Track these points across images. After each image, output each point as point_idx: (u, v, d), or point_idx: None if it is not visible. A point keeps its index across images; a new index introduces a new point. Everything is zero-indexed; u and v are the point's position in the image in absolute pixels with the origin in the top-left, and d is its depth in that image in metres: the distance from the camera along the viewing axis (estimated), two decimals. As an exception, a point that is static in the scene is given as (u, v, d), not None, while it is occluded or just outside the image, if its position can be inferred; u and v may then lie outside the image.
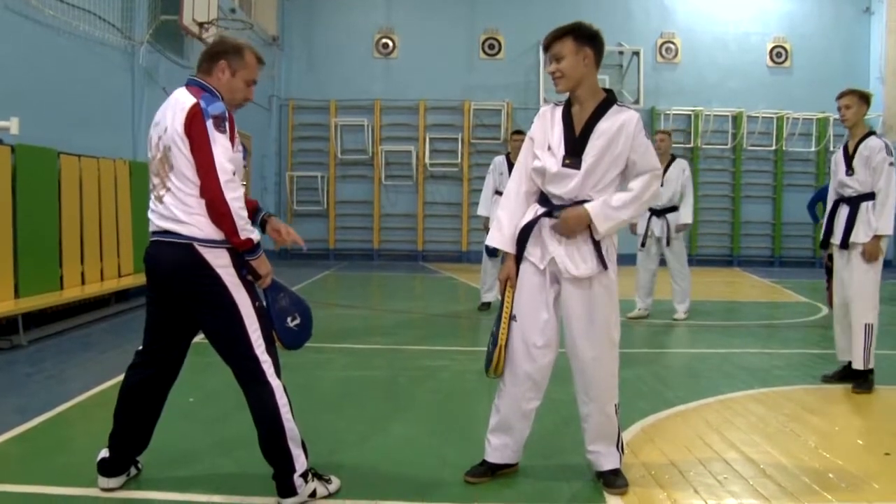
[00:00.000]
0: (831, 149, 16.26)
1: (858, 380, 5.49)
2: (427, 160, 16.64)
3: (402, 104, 16.62)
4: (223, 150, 3.04)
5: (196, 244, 3.09)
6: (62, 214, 7.99)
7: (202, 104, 3.06)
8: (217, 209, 3.04)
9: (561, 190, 3.42)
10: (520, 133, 9.51)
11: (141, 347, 3.40)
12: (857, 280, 5.48)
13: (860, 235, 5.45)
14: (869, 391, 5.42)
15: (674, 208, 8.60)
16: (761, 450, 4.06)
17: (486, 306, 9.21)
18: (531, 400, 3.58)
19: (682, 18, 16.77)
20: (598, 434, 3.57)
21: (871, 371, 5.50)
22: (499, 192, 9.18)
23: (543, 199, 3.51)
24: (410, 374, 5.96)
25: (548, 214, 3.46)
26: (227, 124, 3.08)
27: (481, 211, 9.27)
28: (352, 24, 16.77)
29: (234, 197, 3.04)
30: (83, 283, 8.39)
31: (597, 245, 3.42)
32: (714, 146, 16.68)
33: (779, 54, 16.85)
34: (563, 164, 3.39)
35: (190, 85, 3.22)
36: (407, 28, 16.80)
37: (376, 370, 5.98)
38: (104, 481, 3.35)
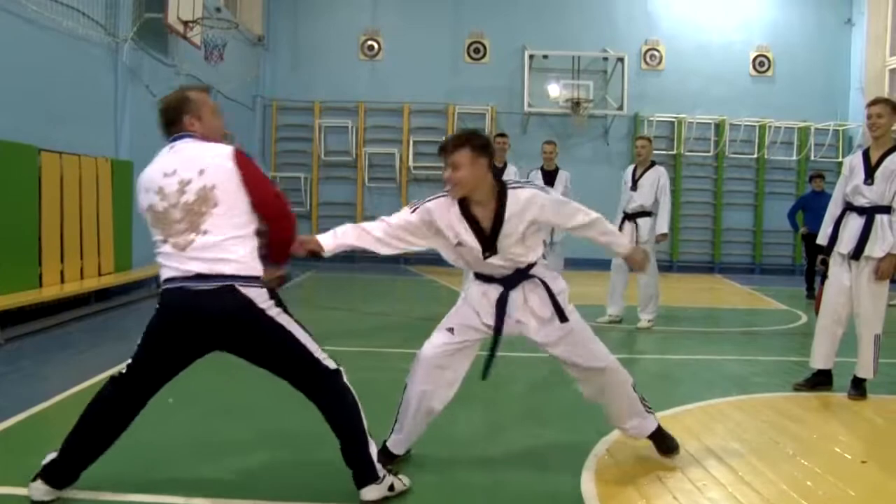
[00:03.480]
0: (812, 158, 16.42)
1: (857, 387, 5.53)
2: (411, 163, 16.62)
3: (387, 106, 16.60)
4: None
5: (238, 284, 3.11)
6: (42, 212, 7.93)
7: (240, 147, 3.33)
8: (284, 222, 3.31)
9: (492, 270, 3.71)
10: (503, 136, 9.53)
11: (123, 374, 3.29)
12: (868, 293, 5.44)
13: (875, 250, 5.36)
14: (864, 398, 5.48)
15: (646, 213, 8.56)
16: (740, 456, 4.09)
17: (467, 310, 9.20)
18: (445, 401, 3.77)
19: (666, 26, 16.86)
20: (629, 412, 3.86)
21: (823, 373, 5.65)
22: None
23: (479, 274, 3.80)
24: (390, 376, 5.93)
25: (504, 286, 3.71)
26: None
27: (465, 214, 9.26)
28: (337, 25, 16.74)
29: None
30: (62, 281, 8.32)
31: (552, 296, 3.68)
32: (696, 153, 16.78)
33: (761, 63, 16.97)
34: (485, 258, 3.63)
35: (187, 137, 3.30)
36: (392, 30, 16.79)
37: (356, 373, 5.86)
38: (41, 491, 3.22)
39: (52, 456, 3.28)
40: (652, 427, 3.93)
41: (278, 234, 3.29)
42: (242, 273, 3.12)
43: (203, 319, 3.13)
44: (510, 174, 9.28)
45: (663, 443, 3.95)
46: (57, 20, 8.47)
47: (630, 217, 8.60)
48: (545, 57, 16.10)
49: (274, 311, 3.19)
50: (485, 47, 16.82)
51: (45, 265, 8.01)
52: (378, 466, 3.30)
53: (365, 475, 3.28)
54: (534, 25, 16.28)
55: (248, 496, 3.35)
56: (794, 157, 16.72)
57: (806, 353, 5.98)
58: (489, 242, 3.59)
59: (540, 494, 3.53)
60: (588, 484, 3.63)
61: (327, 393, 3.28)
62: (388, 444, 3.80)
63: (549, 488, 3.60)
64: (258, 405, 4.85)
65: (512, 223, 3.55)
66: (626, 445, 4.19)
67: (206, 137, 3.32)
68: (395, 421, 3.81)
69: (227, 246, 3.12)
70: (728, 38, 16.84)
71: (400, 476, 3.44)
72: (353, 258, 16.70)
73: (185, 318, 3.17)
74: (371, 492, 3.27)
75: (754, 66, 16.99)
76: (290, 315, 3.26)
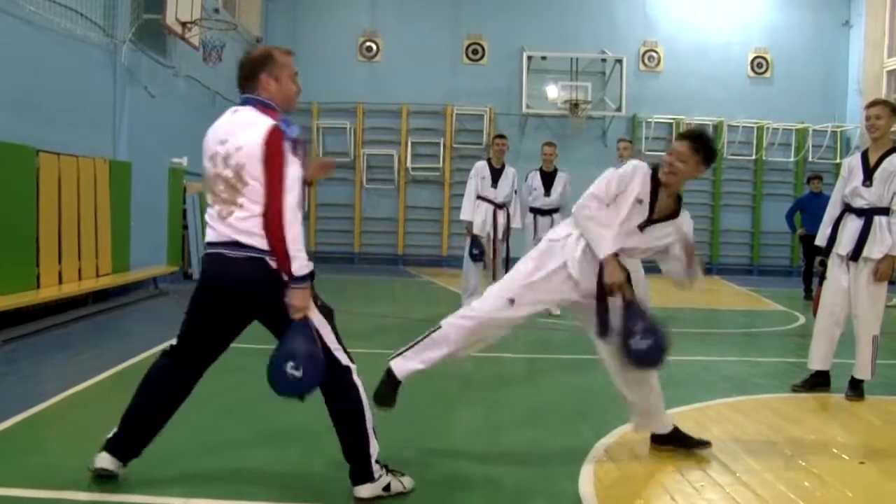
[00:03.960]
0: (810, 159, 16.44)
1: (855, 388, 5.54)
2: (409, 164, 16.62)
3: (385, 107, 16.60)
4: (294, 174, 3.15)
5: (269, 258, 3.15)
6: (40, 213, 7.92)
7: (282, 126, 3.17)
8: (275, 232, 3.11)
9: (625, 243, 3.87)
10: (502, 137, 9.54)
11: (174, 345, 3.45)
12: (867, 294, 5.44)
13: (874, 251, 5.37)
14: (862, 399, 5.49)
15: None
16: (738, 458, 4.09)
17: (466, 311, 9.19)
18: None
19: (664, 27, 16.87)
20: (655, 407, 4.06)
21: (821, 374, 5.66)
22: (481, 197, 9.19)
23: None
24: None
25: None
26: (301, 149, 3.25)
27: (464, 216, 9.27)
28: (336, 26, 16.74)
29: (293, 223, 3.11)
30: (60, 282, 8.32)
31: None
32: (694, 155, 16.74)
33: (759, 65, 16.99)
34: (640, 227, 3.89)
35: (251, 104, 3.29)
36: (391, 31, 16.80)
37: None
38: (106, 460, 3.38)
39: (114, 431, 3.42)
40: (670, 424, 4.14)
41: (268, 227, 3.14)
42: (265, 247, 3.15)
43: (232, 285, 3.23)
44: (508, 176, 9.29)
45: (690, 440, 4.15)
46: (55, 21, 8.47)
47: None
48: (543, 58, 16.11)
49: None
50: (483, 49, 16.83)
51: (43, 266, 8.00)
52: (375, 467, 3.32)
53: (361, 473, 3.31)
54: (532, 27, 16.28)
55: (248, 497, 3.35)
56: (792, 159, 16.74)
57: (804, 354, 5.99)
58: (648, 223, 3.90)
59: (538, 494, 3.53)
60: (586, 484, 3.63)
61: (335, 387, 3.30)
62: (394, 367, 3.90)
63: (547, 488, 3.60)
64: (258, 406, 4.84)
65: (668, 226, 3.92)
66: (624, 446, 4.20)
67: (276, 100, 3.31)
68: (410, 348, 3.91)
69: (259, 223, 3.14)
70: (726, 39, 16.85)
71: (402, 478, 3.44)
72: (352, 259, 16.73)
73: (218, 282, 3.29)
74: (364, 490, 3.30)
75: (752, 68, 17.01)
76: (319, 301, 3.31)
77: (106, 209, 9.38)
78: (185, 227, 12.00)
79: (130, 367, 5.89)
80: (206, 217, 3.32)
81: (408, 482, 3.45)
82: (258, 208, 3.14)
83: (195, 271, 12.12)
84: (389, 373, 3.88)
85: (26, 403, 4.69)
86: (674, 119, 16.63)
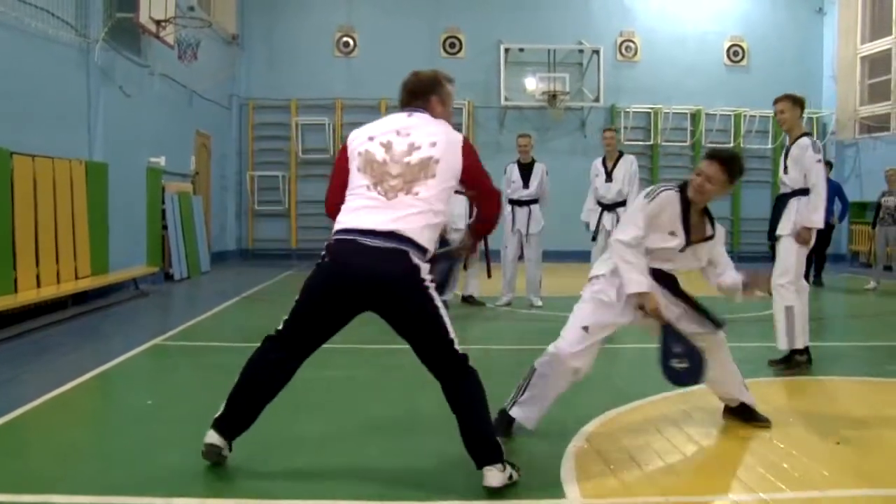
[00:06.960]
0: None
1: (781, 358, 5.87)
2: (389, 159, 16.60)
3: (363, 103, 16.55)
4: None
5: (411, 253, 3.26)
6: (15, 216, 7.84)
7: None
8: (492, 205, 3.64)
9: (669, 265, 4.16)
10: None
11: (280, 330, 3.49)
12: (779, 267, 5.83)
13: (785, 228, 5.79)
14: (786, 370, 5.77)
15: (623, 203, 8.73)
16: (718, 442, 4.13)
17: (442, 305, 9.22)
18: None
19: (641, 17, 16.96)
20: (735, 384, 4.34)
21: (798, 352, 5.83)
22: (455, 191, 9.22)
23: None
24: (370, 372, 5.96)
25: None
26: None
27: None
28: (312, 22, 16.69)
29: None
30: (38, 285, 8.25)
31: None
32: (673, 143, 16.89)
33: (736, 53, 17.12)
34: (681, 250, 4.11)
35: (427, 115, 3.57)
36: (367, 26, 16.77)
37: (336, 370, 5.93)
38: (214, 437, 3.49)
39: (222, 409, 3.53)
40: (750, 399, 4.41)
41: (486, 211, 3.66)
42: (418, 241, 3.27)
43: (368, 275, 3.25)
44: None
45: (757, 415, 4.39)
46: (25, 21, 8.38)
47: (608, 208, 8.78)
48: (521, 50, 16.15)
49: (431, 286, 3.34)
50: (460, 42, 16.83)
51: (21, 269, 7.93)
52: (504, 449, 3.42)
53: (492, 454, 3.37)
54: (509, 19, 16.31)
55: (227, 496, 3.34)
56: (770, 146, 16.87)
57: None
58: (689, 241, 4.12)
59: (520, 481, 3.52)
60: (567, 471, 3.65)
61: (459, 375, 3.42)
62: (514, 415, 4.13)
63: (529, 475, 3.59)
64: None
65: (704, 247, 4.20)
66: (605, 434, 4.23)
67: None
68: (521, 393, 4.14)
69: (421, 214, 3.29)
70: (702, 28, 16.97)
71: (513, 464, 3.48)
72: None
73: (352, 270, 3.28)
74: (495, 479, 3.32)
75: (729, 56, 17.14)
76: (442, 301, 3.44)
77: (83, 211, 9.31)
78: (165, 227, 11.93)
79: (111, 369, 5.86)
80: (346, 209, 3.39)
81: (518, 473, 3.50)
82: (430, 201, 3.31)
83: (176, 271, 12.06)
84: (507, 416, 4.12)
85: (6, 408, 4.65)
86: (652, 108, 16.72)
